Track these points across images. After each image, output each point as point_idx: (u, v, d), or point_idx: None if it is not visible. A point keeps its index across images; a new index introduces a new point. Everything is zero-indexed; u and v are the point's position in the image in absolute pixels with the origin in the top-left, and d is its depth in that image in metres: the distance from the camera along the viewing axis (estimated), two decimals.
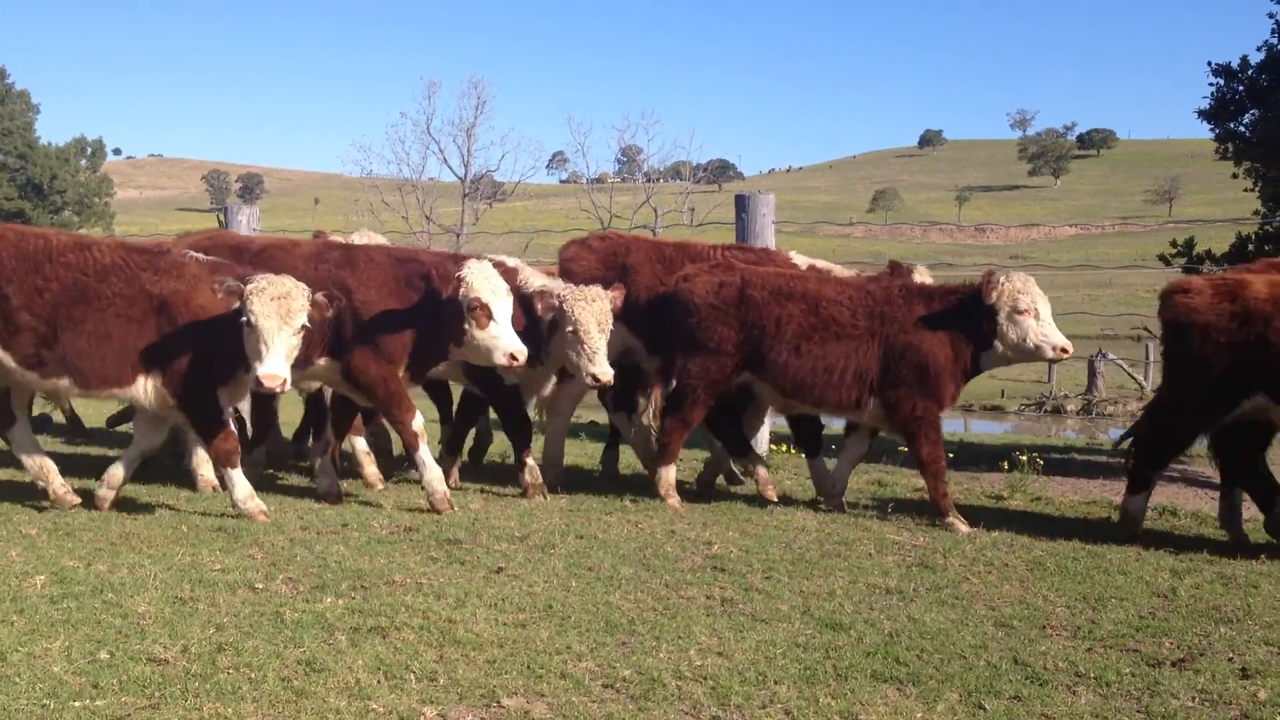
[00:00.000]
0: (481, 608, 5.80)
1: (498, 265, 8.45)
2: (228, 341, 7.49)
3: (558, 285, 8.79)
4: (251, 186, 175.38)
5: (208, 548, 6.89)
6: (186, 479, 9.02)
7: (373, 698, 4.61)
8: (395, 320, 8.29)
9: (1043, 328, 8.25)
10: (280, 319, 7.25)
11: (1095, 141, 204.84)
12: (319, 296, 7.52)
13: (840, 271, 9.65)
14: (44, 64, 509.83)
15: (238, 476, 7.78)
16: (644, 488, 9.19)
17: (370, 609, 5.69)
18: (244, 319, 7.26)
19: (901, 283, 8.92)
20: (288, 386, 7.43)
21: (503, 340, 7.99)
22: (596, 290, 8.54)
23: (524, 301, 8.52)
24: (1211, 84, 21.42)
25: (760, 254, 9.90)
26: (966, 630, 5.72)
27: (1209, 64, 21.39)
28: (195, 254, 7.97)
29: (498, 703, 4.65)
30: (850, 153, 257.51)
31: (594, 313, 8.39)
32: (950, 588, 6.54)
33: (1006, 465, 10.91)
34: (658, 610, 5.89)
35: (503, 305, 8.04)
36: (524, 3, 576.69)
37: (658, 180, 63.69)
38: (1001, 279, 8.29)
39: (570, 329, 8.39)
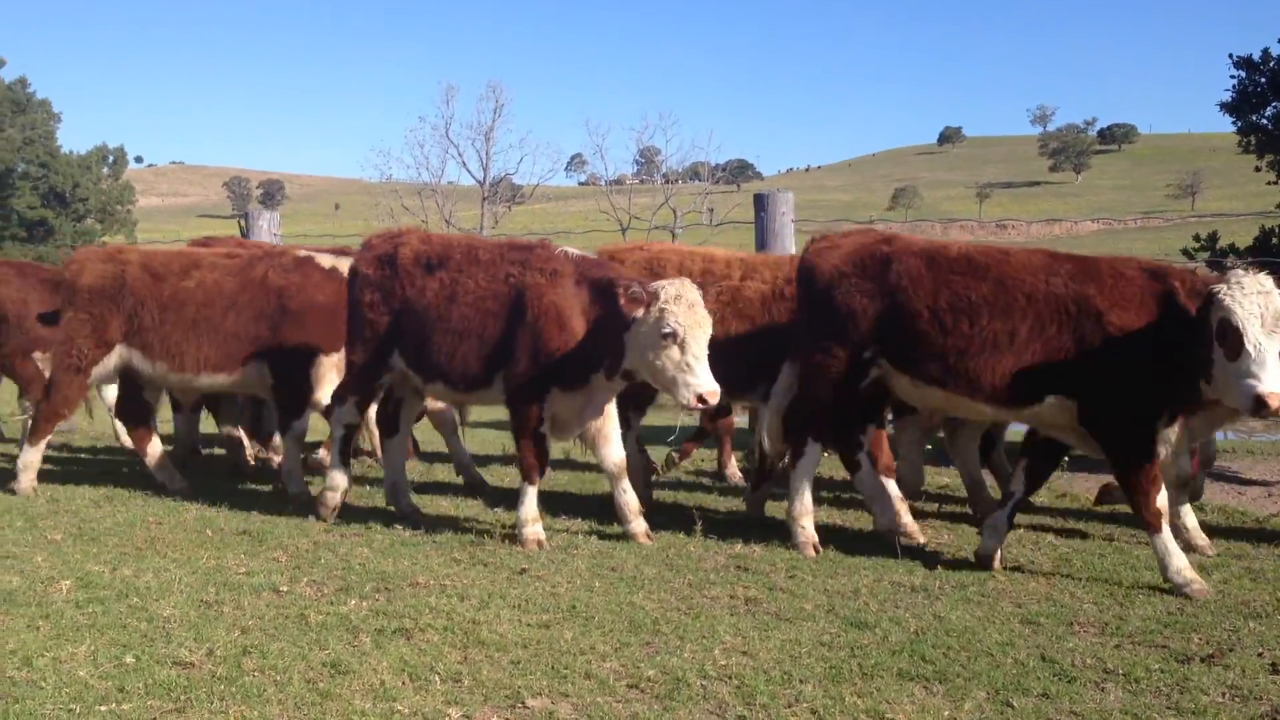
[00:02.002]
0: (505, 609, 5.80)
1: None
2: (575, 343, 7.19)
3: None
4: (272, 192, 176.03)
5: (232, 551, 6.91)
6: (207, 480, 9.05)
7: (398, 699, 4.61)
8: (1151, 350, 6.53)
9: None
10: (703, 328, 6.82)
11: (1116, 136, 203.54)
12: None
13: None
14: (65, 73, 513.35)
15: (530, 496, 7.39)
16: (666, 487, 9.17)
17: (394, 611, 5.70)
18: (664, 331, 6.76)
19: None
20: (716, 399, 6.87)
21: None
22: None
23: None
24: (1233, 77, 21.36)
25: None
26: (993, 628, 5.68)
27: (1230, 57, 21.34)
28: (570, 249, 7.64)
29: (522, 703, 4.64)
30: (869, 151, 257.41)
31: None
32: (976, 585, 6.51)
33: None
34: (682, 610, 5.88)
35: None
36: (541, 6, 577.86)
37: (676, 181, 63.82)
38: None
39: None
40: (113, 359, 9.01)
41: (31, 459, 8.91)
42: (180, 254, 9.41)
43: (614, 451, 7.55)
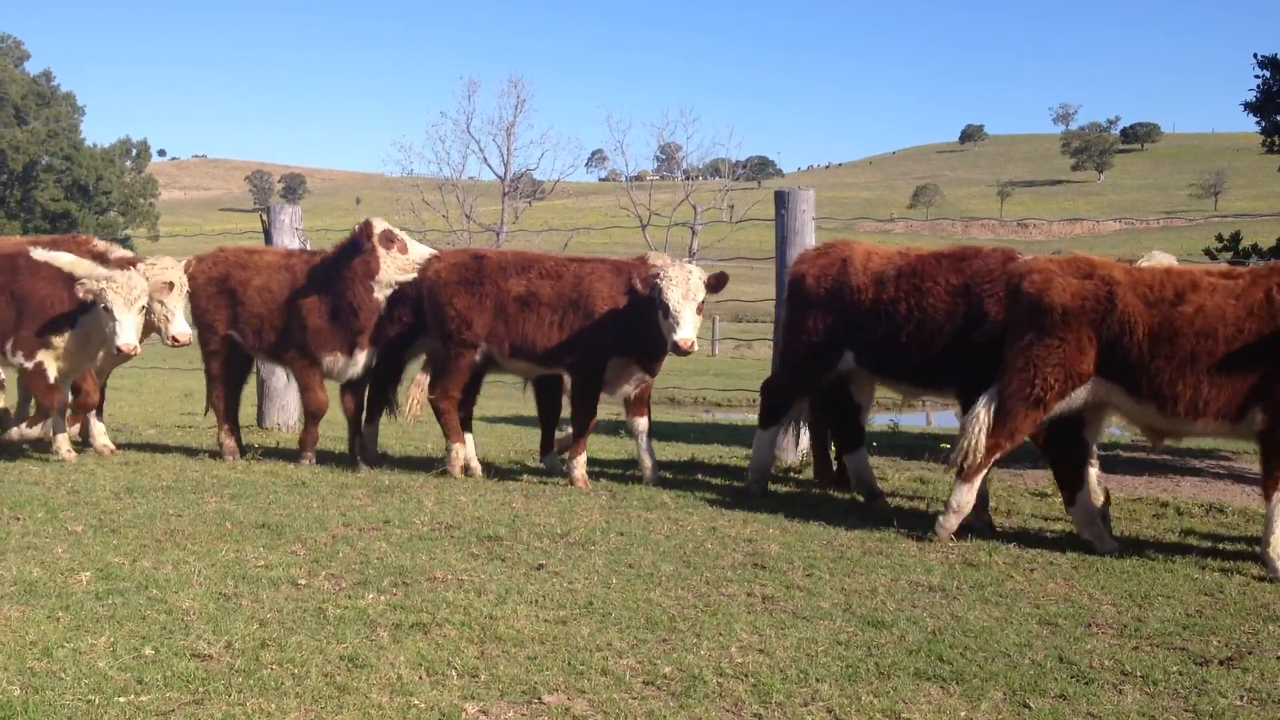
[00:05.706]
0: (522, 604, 5.81)
1: None
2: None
3: None
4: (294, 187, 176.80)
5: (251, 544, 6.94)
6: (226, 466, 9.08)
7: (414, 694, 4.62)
8: None
9: None
10: None
11: (1139, 135, 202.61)
12: None
13: None
14: (89, 66, 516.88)
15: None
16: (684, 485, 9.15)
17: (412, 605, 5.71)
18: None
19: None
20: None
21: None
22: None
23: None
24: (1258, 76, 21.12)
25: None
26: (1011, 628, 5.67)
27: (1255, 56, 21.08)
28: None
29: (538, 699, 4.64)
30: (890, 149, 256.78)
31: None
32: (994, 585, 6.49)
33: None
34: (698, 607, 5.88)
35: None
36: (563, 1, 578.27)
37: (696, 178, 63.70)
38: None
39: None
40: (1083, 393, 7.52)
41: (967, 499, 7.67)
42: (1172, 272, 7.65)
43: None
